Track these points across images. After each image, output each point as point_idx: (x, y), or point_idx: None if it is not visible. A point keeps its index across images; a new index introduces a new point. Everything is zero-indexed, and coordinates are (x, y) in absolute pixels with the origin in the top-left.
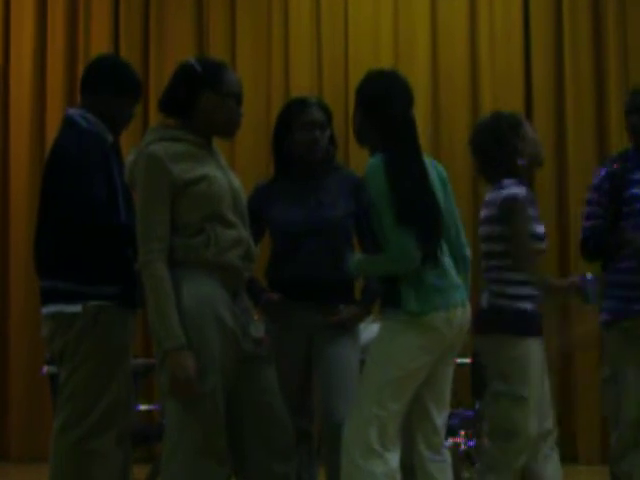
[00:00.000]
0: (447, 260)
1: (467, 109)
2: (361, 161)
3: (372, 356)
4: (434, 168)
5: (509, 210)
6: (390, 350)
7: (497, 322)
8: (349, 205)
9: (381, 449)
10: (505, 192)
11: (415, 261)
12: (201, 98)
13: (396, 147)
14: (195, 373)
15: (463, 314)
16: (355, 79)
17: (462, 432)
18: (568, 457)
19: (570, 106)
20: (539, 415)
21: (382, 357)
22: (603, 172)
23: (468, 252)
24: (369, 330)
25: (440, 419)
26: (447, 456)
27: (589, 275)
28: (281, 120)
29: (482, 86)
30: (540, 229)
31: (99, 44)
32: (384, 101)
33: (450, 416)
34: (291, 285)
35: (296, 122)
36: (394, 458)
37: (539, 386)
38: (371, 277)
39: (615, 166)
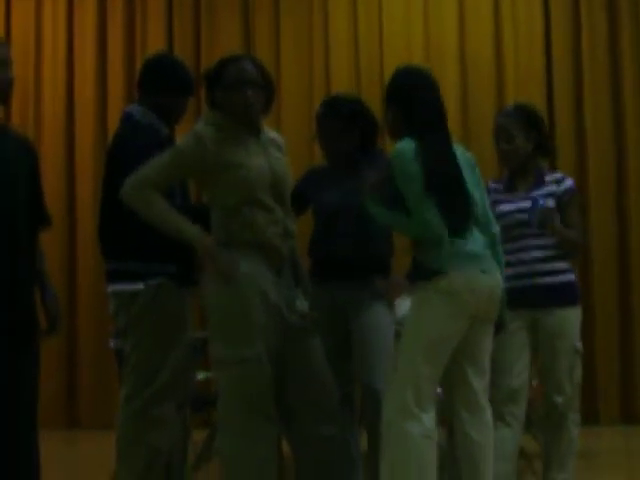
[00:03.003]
0: (475, 233)
1: (493, 101)
2: None
3: (406, 325)
4: (463, 154)
5: None
6: (419, 318)
7: None
8: None
9: (417, 410)
10: None
11: (438, 230)
12: (216, 95)
13: (427, 132)
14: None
15: (489, 281)
16: (389, 75)
17: None
18: (590, 418)
19: (588, 97)
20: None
21: (413, 325)
22: None
23: (496, 229)
24: (405, 304)
25: (478, 383)
26: (488, 418)
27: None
28: (316, 117)
29: (506, 81)
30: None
31: (155, 43)
32: (413, 90)
33: None
34: (324, 264)
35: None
36: (430, 419)
37: None
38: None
39: None
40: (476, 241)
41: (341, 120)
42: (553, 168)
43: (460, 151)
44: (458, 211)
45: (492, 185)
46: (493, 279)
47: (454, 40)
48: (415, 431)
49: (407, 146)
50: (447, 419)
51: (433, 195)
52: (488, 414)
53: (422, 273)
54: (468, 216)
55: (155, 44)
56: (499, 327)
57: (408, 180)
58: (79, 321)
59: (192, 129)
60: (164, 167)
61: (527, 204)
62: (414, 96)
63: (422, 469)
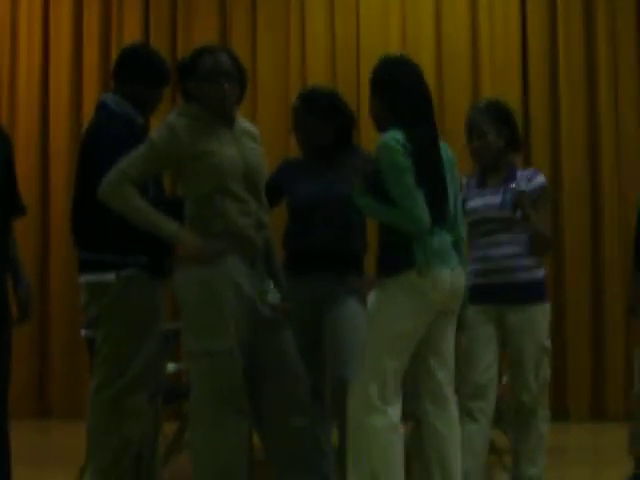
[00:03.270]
0: (444, 231)
1: (469, 97)
2: (371, 141)
3: (371, 320)
4: (445, 151)
5: None
6: (384, 313)
7: None
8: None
9: (382, 404)
10: None
11: (427, 225)
12: (190, 85)
13: (414, 121)
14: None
15: (454, 279)
16: (365, 68)
17: None
18: (560, 414)
19: (564, 94)
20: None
21: (378, 320)
22: None
23: (464, 233)
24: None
25: (443, 375)
26: (453, 410)
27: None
28: (293, 110)
29: (482, 77)
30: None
31: (131, 33)
32: (398, 78)
33: None
34: (303, 256)
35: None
36: (395, 412)
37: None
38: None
39: None
40: (445, 239)
41: (318, 114)
42: (527, 164)
43: (444, 148)
44: (438, 206)
45: (464, 180)
46: (458, 277)
47: (430, 35)
48: (379, 424)
49: (396, 137)
50: (414, 412)
51: (420, 188)
52: (453, 406)
53: (390, 268)
54: (444, 212)
55: (131, 34)
56: (460, 324)
57: (398, 172)
58: (51, 309)
59: (165, 120)
60: (140, 162)
61: (497, 199)
62: (399, 84)
63: (387, 462)
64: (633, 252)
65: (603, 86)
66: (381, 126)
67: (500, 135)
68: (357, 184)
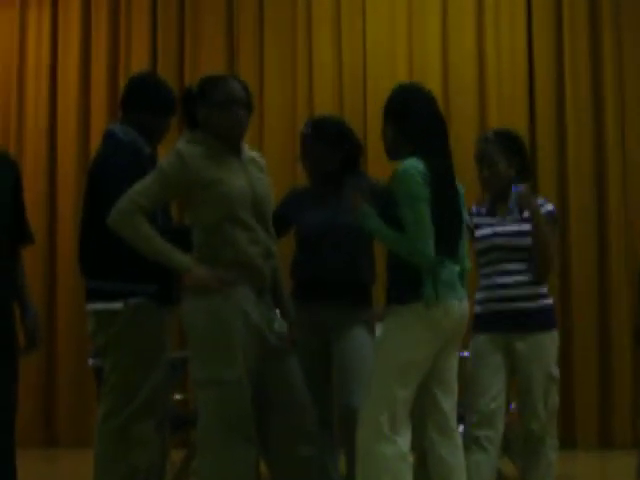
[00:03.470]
0: (452, 263)
1: (476, 130)
2: (377, 171)
3: (380, 348)
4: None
5: None
6: (394, 342)
7: None
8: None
9: (391, 433)
10: None
11: (428, 260)
12: (199, 113)
13: (429, 149)
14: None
15: (462, 309)
16: (372, 98)
17: None
18: (567, 442)
19: (570, 127)
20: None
21: (388, 349)
22: None
23: (468, 265)
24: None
25: (448, 405)
26: (458, 440)
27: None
28: (301, 138)
29: (489, 108)
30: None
31: (138, 60)
32: (412, 106)
33: None
34: (311, 285)
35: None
36: (404, 441)
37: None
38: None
39: None
40: (453, 270)
41: (326, 141)
42: (534, 193)
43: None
44: (452, 239)
45: (474, 209)
46: (464, 307)
47: (437, 65)
48: (389, 452)
49: (416, 165)
50: (420, 442)
51: (435, 220)
52: (458, 435)
53: (398, 298)
54: (456, 245)
55: (139, 61)
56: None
57: (414, 200)
58: (58, 338)
59: (173, 148)
60: (150, 191)
61: (505, 227)
62: (412, 111)
63: None
64: (638, 276)
65: (610, 115)
66: (393, 154)
67: (511, 164)
68: (364, 206)
